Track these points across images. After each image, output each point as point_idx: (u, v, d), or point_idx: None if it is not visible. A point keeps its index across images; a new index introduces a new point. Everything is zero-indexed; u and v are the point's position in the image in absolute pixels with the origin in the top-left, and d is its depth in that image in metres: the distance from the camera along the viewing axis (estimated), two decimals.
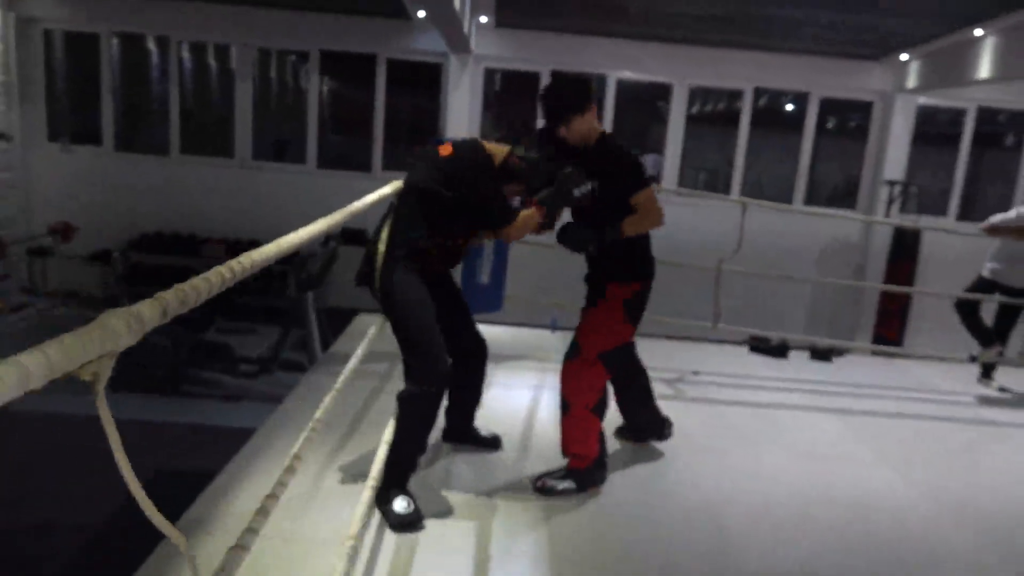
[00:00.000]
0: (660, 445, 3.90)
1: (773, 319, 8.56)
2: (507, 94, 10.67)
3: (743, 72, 9.82)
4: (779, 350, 5.89)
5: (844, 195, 10.57)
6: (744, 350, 5.97)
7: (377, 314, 3.59)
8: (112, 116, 9.87)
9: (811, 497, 3.59)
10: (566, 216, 3.31)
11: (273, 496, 2.00)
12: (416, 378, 2.92)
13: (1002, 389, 5.51)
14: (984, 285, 5.55)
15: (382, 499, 2.91)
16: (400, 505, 2.89)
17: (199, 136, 10.28)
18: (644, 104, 10.73)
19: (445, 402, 3.32)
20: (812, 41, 9.08)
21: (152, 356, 7.48)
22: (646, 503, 3.38)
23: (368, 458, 3.13)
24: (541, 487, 3.33)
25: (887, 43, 8.96)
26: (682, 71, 9.85)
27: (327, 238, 9.12)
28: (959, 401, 5.27)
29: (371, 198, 3.04)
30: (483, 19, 9.16)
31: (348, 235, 9.36)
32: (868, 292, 9.81)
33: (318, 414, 2.65)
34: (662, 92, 10.11)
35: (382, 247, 3.01)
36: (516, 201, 3.24)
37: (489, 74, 10.07)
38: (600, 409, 3.36)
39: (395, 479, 2.95)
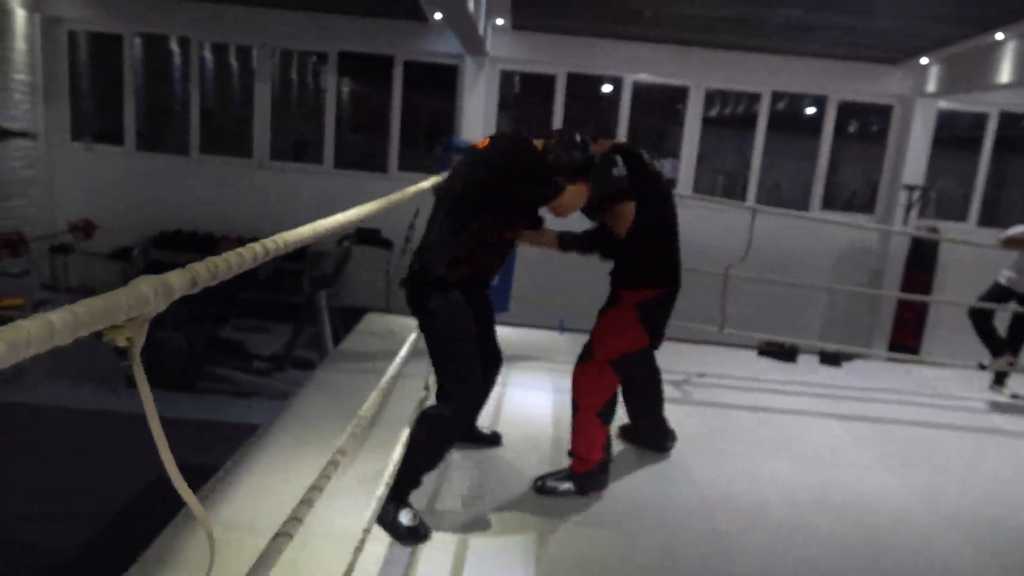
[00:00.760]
0: None
1: (788, 325, 8.51)
2: (524, 96, 10.72)
3: (760, 75, 9.77)
4: (788, 353, 5.86)
5: (862, 199, 10.48)
6: (753, 353, 5.94)
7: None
8: (134, 116, 10.04)
9: (809, 501, 3.57)
10: (571, 223, 3.34)
11: (317, 488, 2.03)
12: (451, 402, 2.89)
13: (1015, 396, 5.44)
14: (1000, 292, 5.49)
15: (387, 513, 2.83)
16: (406, 517, 2.85)
17: (219, 136, 10.42)
18: (660, 107, 10.71)
19: None
20: (830, 44, 9.01)
21: (168, 353, 7.60)
22: (646, 505, 3.38)
23: (379, 456, 3.12)
24: (542, 487, 3.34)
25: (907, 46, 8.87)
26: (698, 74, 9.82)
27: (341, 238, 9.22)
28: (967, 407, 5.21)
29: (395, 197, 3.00)
30: (499, 21, 9.20)
31: (362, 235, 9.46)
32: (885, 299, 9.71)
33: (362, 411, 2.63)
34: (679, 95, 10.10)
35: (427, 262, 2.95)
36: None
37: (505, 76, 10.11)
38: (608, 415, 3.35)
39: (401, 494, 2.88)
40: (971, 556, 3.26)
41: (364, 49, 9.96)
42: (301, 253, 9.00)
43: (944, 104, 9.80)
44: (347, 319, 7.20)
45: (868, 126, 10.70)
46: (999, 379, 5.56)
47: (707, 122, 10.12)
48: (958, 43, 8.34)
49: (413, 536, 2.85)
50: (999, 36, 7.66)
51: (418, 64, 9.97)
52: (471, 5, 6.96)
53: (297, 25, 9.76)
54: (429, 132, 10.62)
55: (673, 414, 3.94)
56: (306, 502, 1.97)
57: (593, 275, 3.78)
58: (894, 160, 10.04)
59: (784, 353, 5.86)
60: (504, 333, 5.36)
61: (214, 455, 4.02)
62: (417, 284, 2.97)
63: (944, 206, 9.98)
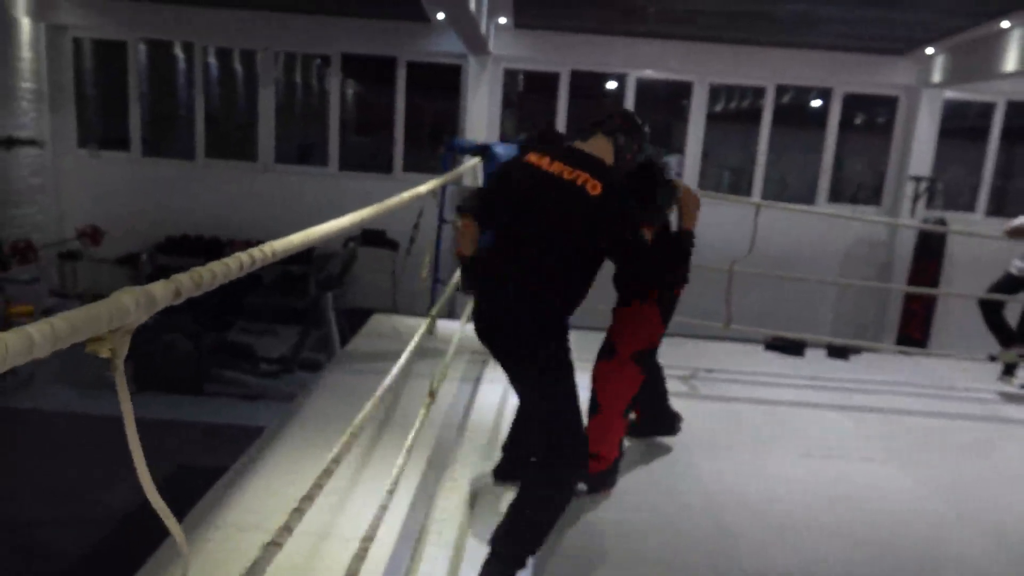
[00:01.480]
0: (669, 442, 3.88)
1: (796, 319, 8.47)
2: (528, 94, 10.70)
3: (764, 69, 9.72)
4: (796, 347, 5.83)
5: (869, 191, 10.42)
6: (760, 348, 5.92)
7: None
8: (139, 122, 10.09)
9: (817, 495, 3.56)
10: None
11: (308, 498, 2.04)
12: (570, 458, 2.71)
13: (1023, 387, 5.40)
14: (1011, 282, 5.44)
15: (512, 564, 2.66)
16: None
17: (224, 140, 10.46)
18: (665, 103, 10.68)
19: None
20: (835, 36, 8.96)
21: (176, 357, 7.64)
22: (653, 500, 3.37)
23: (386, 459, 3.12)
24: None
25: (912, 36, 8.81)
26: (702, 69, 9.79)
27: (347, 239, 9.23)
28: (975, 398, 5.18)
29: (407, 195, 2.94)
30: (502, 20, 9.19)
31: (368, 236, 9.48)
32: (893, 292, 9.66)
33: (369, 412, 2.61)
34: (683, 91, 10.06)
35: (548, 306, 2.68)
36: None
37: (508, 75, 10.10)
38: (628, 412, 3.37)
39: (524, 556, 2.69)
40: (982, 547, 3.23)
41: (367, 51, 9.98)
42: (307, 255, 9.02)
43: (950, 94, 9.73)
44: (354, 320, 7.22)
45: (874, 118, 10.63)
46: (1008, 370, 5.51)
47: (712, 117, 10.08)
48: (964, 32, 8.27)
49: None
50: (1005, 24, 7.60)
51: (421, 65, 9.98)
52: (473, 4, 6.95)
53: (300, 28, 9.78)
54: (433, 132, 10.62)
55: (680, 410, 3.91)
56: (308, 499, 1.98)
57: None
58: (901, 151, 9.97)
59: (791, 347, 5.83)
60: None
61: (222, 457, 4.03)
62: (535, 330, 2.67)
63: (952, 197, 9.91)
